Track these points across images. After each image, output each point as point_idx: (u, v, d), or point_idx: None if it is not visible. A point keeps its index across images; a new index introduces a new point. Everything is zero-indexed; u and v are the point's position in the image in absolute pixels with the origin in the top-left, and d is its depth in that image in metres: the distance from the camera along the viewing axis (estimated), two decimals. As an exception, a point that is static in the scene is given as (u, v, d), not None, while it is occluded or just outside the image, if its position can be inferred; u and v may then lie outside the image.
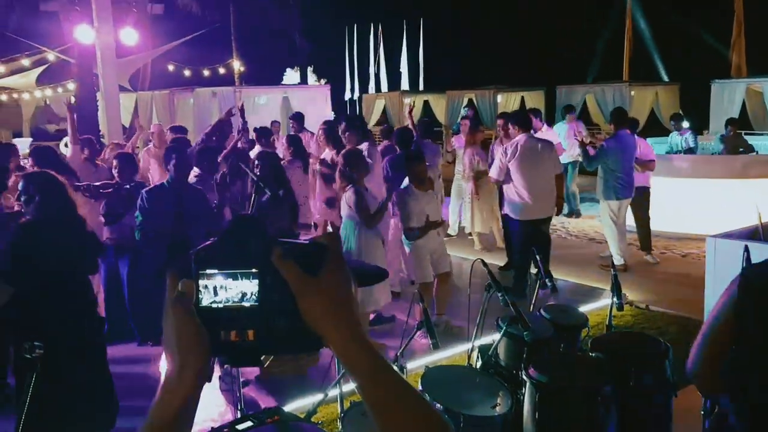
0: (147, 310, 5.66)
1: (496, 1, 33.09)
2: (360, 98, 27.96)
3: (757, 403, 2.13)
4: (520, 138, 7.03)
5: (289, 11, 26.05)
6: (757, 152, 11.49)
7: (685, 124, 14.07)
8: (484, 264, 3.48)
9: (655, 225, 9.91)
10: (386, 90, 29.79)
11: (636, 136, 8.54)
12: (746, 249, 3.18)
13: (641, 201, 8.36)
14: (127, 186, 5.78)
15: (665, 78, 22.60)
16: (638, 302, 7.05)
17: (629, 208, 8.17)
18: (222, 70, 24.60)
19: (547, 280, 3.87)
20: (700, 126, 16.32)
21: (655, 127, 16.51)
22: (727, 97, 14.88)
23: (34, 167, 6.14)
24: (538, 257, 4.08)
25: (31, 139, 22.00)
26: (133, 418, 4.30)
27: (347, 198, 5.28)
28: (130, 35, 14.04)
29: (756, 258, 3.38)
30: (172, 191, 5.19)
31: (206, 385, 0.92)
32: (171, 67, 22.66)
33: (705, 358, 2.14)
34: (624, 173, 7.85)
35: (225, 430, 2.67)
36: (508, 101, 20.16)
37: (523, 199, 6.96)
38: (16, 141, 21.21)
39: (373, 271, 3.44)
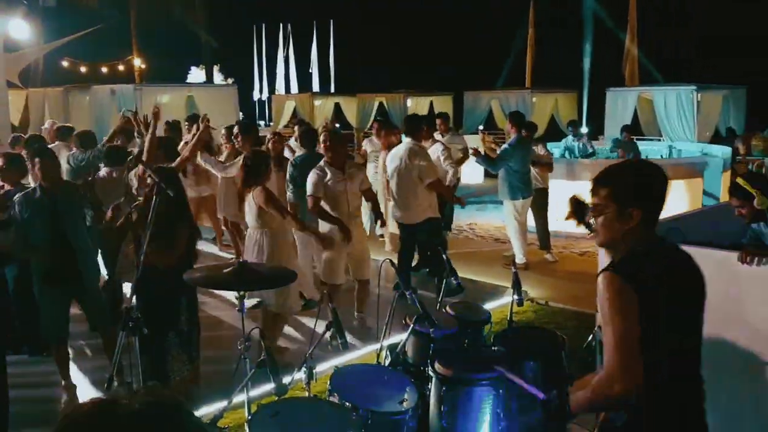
0: (36, 318, 5.33)
1: (407, 4, 33.50)
2: (269, 99, 27.58)
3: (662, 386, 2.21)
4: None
5: (193, 6, 25.38)
6: (647, 157, 12.23)
7: (584, 130, 14.76)
8: (393, 264, 3.52)
9: (555, 225, 10.35)
10: (296, 91, 29.57)
11: (536, 140, 8.94)
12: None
13: (541, 202, 8.71)
14: (11, 189, 5.41)
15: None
16: (538, 299, 7.33)
17: (529, 209, 8.49)
18: (121, 67, 23.72)
19: (453, 279, 3.96)
20: (596, 131, 17.20)
21: (554, 132, 17.22)
22: (621, 105, 15.72)
23: None
24: (444, 256, 4.17)
25: None
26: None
27: (256, 197, 5.16)
28: (19, 28, 13.30)
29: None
30: (42, 194, 4.83)
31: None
32: (66, 63, 21.61)
33: (633, 362, 2.11)
34: (526, 173, 8.22)
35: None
36: (417, 105, 20.48)
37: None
38: None
39: (281, 274, 3.41)
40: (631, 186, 2.31)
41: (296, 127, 9.18)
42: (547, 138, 12.85)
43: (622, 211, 2.27)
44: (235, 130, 7.43)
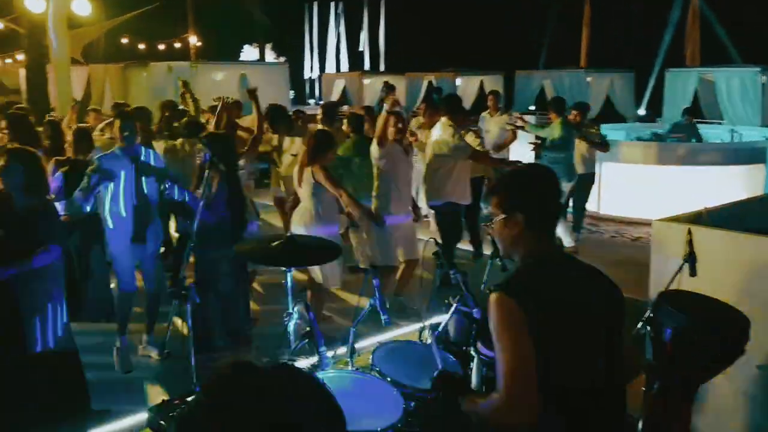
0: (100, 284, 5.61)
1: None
2: (319, 78, 27.67)
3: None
4: None
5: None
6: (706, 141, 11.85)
7: (641, 112, 14.27)
8: (437, 243, 3.52)
9: (609, 209, 10.20)
10: (347, 70, 29.58)
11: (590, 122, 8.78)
12: (689, 231, 3.28)
13: (587, 185, 8.57)
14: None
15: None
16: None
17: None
18: (178, 45, 24.11)
19: (499, 260, 3.91)
20: (653, 114, 16.73)
21: (610, 114, 16.81)
22: (681, 86, 15.21)
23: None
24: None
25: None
26: None
27: (315, 174, 5.26)
28: (83, 5, 13.60)
29: (698, 240, 3.51)
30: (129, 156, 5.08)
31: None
32: (125, 41, 22.09)
33: (530, 391, 1.96)
34: (570, 157, 8.14)
35: (176, 401, 2.66)
36: (467, 85, 20.24)
37: None
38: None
39: (328, 247, 3.44)
40: (513, 190, 2.22)
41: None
42: (602, 120, 12.58)
43: (507, 218, 2.18)
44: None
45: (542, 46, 25.29)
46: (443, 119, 6.60)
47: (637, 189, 10.01)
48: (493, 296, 2.08)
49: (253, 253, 3.18)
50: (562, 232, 8.26)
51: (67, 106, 12.46)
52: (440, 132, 6.54)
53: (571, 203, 8.54)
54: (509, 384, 1.98)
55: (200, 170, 5.02)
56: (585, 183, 8.51)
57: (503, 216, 2.20)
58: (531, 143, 8.24)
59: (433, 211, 6.56)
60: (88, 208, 5.31)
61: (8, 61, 20.41)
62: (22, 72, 18.05)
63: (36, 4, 12.84)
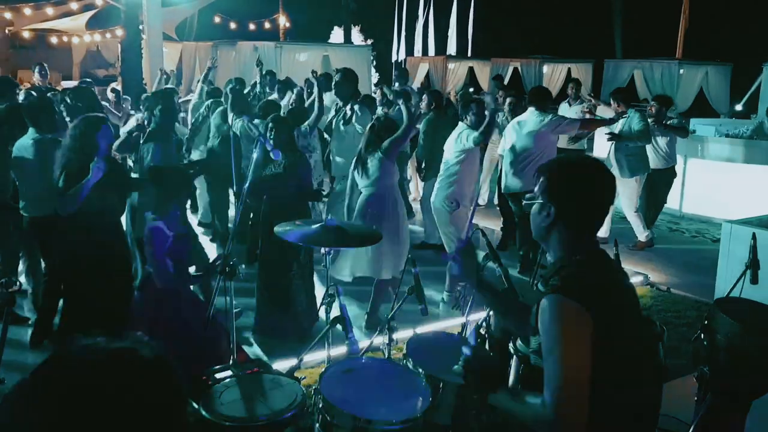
0: None
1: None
2: (405, 61, 27.58)
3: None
4: None
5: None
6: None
7: (738, 108, 13.49)
8: (483, 234, 3.43)
9: (691, 208, 9.71)
10: (433, 54, 29.33)
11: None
12: (753, 236, 3.07)
13: (666, 181, 8.20)
14: None
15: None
16: (660, 284, 6.93)
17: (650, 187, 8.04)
18: (267, 25, 24.55)
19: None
20: (749, 109, 15.76)
21: (703, 108, 15.98)
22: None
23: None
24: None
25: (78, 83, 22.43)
26: None
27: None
28: (176, -16, 14.10)
29: (762, 245, 3.28)
30: None
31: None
32: (217, 19, 22.70)
33: (581, 406, 1.83)
34: (643, 149, 7.84)
35: (204, 377, 2.72)
36: (554, 72, 19.70)
37: None
38: (65, 84, 21.70)
39: (368, 234, 3.42)
40: (553, 179, 2.05)
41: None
42: (693, 114, 11.96)
43: (543, 205, 2.05)
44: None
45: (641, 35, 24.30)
46: (531, 109, 6.72)
47: (722, 188, 9.47)
48: (550, 298, 1.90)
49: (294, 235, 3.19)
50: (634, 226, 7.99)
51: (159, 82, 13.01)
52: (533, 118, 6.65)
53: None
54: (562, 402, 1.81)
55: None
56: (663, 179, 8.12)
57: (540, 201, 2.08)
58: (607, 134, 7.95)
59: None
60: None
61: (108, 36, 21.37)
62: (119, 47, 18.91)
63: (132, -18, 13.39)
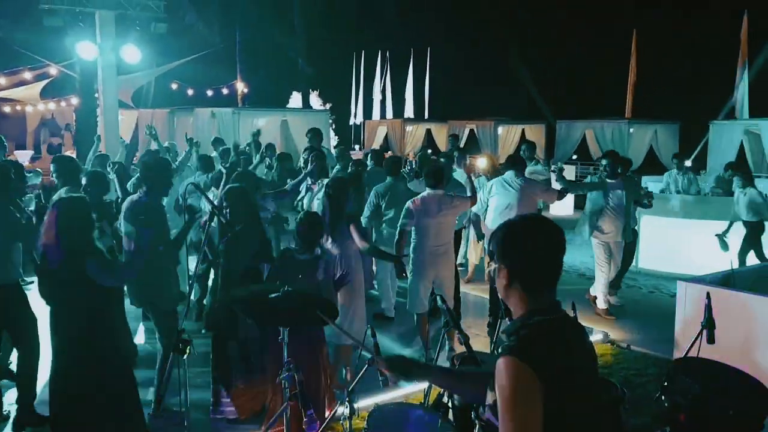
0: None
1: (501, 32, 33.33)
2: (363, 124, 28.03)
3: None
4: None
5: (294, 34, 26.29)
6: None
7: (687, 164, 13.94)
8: (443, 300, 3.41)
9: (648, 264, 9.85)
10: (391, 117, 29.90)
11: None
12: (707, 296, 3.10)
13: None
14: None
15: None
16: (619, 341, 6.95)
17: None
18: (225, 91, 24.78)
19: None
20: (697, 166, 16.30)
21: (653, 165, 16.50)
22: (726, 138, 14.85)
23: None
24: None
25: (32, 152, 22.14)
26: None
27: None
28: (132, 53, 14.12)
29: (717, 302, 3.32)
30: None
31: None
32: (174, 86, 22.83)
33: None
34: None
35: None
36: (508, 134, 20.19)
37: None
38: (18, 153, 21.37)
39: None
40: (503, 242, 2.10)
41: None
42: (644, 171, 12.31)
43: (498, 267, 2.10)
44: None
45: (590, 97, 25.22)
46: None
47: (677, 243, 9.69)
48: (503, 360, 1.92)
49: (249, 305, 3.11)
50: (599, 288, 7.99)
51: (115, 149, 12.89)
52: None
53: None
54: None
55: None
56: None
57: (494, 266, 2.12)
58: None
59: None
60: None
61: (63, 104, 21.30)
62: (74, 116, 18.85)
63: (87, 51, 13.39)
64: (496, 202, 7.17)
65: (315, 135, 9.33)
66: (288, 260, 4.52)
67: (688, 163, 16.23)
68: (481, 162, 8.07)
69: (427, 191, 5.98)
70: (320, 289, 4.30)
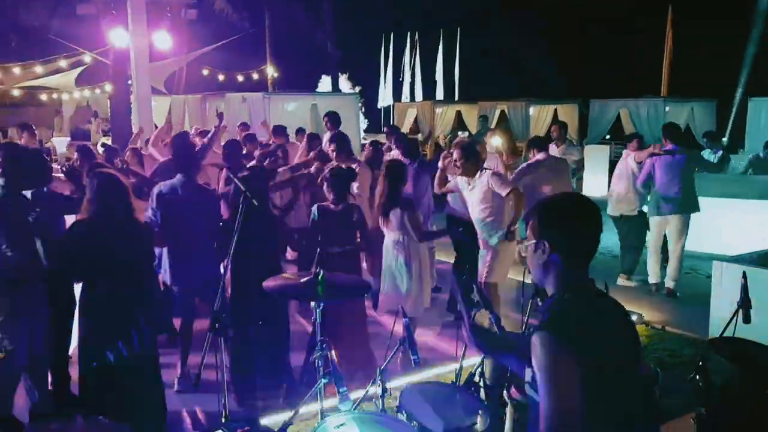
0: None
1: (531, 13, 32.82)
2: (392, 107, 27.95)
3: None
4: None
5: (322, 18, 26.26)
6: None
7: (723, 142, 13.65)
8: (475, 283, 3.41)
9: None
10: (420, 99, 29.74)
11: None
12: (744, 276, 3.05)
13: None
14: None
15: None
16: (654, 323, 6.88)
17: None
18: (255, 76, 24.87)
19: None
20: (734, 144, 15.93)
21: (689, 145, 16.14)
22: (765, 116, 14.45)
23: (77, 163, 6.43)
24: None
25: (69, 139, 22.56)
26: None
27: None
28: (163, 39, 14.30)
29: (753, 282, 3.26)
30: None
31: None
32: (206, 72, 23.00)
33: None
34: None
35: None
36: (540, 114, 19.94)
37: None
38: (55, 140, 21.82)
39: (356, 285, 3.39)
40: (542, 216, 2.12)
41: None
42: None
43: (537, 244, 2.11)
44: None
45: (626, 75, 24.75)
46: None
47: (715, 223, 9.49)
48: (538, 336, 1.96)
49: (283, 289, 3.16)
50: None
51: (147, 136, 13.10)
52: None
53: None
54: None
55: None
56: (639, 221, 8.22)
57: (533, 242, 2.13)
58: None
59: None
60: None
61: (97, 91, 21.63)
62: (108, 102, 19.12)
63: (120, 39, 13.58)
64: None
65: (333, 119, 9.11)
66: (324, 213, 5.05)
67: (723, 141, 15.90)
68: (495, 140, 7.80)
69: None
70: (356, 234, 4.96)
